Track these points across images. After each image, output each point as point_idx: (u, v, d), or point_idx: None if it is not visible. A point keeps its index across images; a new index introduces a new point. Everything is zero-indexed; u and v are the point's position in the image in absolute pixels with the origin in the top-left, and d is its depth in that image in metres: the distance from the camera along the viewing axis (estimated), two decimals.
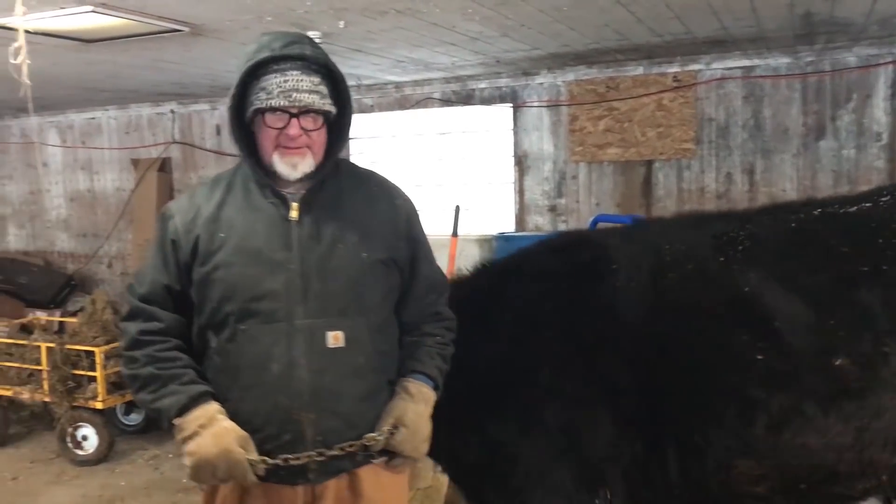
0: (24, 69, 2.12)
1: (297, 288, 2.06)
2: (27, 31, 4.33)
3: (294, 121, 2.08)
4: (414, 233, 2.28)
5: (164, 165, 8.55)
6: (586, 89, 6.71)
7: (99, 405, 5.23)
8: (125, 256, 8.90)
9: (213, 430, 1.98)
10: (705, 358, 2.26)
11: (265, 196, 2.16)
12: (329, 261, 2.09)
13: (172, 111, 8.46)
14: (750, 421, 2.30)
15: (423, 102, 7.33)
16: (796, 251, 2.42)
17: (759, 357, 2.28)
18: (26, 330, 6.51)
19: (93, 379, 5.26)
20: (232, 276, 2.07)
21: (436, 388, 2.20)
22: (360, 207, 2.20)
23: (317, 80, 2.12)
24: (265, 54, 2.10)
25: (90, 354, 5.27)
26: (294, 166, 2.12)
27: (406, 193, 2.36)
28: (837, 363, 2.26)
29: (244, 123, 2.17)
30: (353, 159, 7.72)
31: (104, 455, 5.31)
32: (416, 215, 2.33)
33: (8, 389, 5.55)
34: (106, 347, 5.29)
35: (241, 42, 5.13)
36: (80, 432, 5.31)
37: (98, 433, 5.29)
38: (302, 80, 2.09)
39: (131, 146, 8.74)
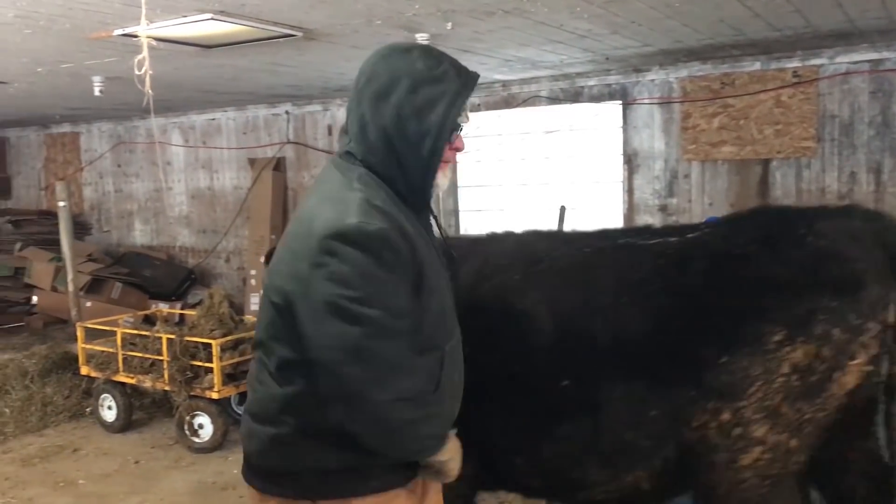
0: (147, 80, 2.23)
1: None
2: (152, 39, 4.57)
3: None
4: None
5: (278, 165, 8.85)
6: (700, 86, 6.50)
7: (215, 395, 5.46)
8: (241, 252, 9.26)
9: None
10: (482, 364, 2.35)
11: (415, 214, 2.08)
12: None
13: (287, 112, 8.74)
14: (511, 424, 2.65)
15: (530, 101, 7.28)
16: (573, 278, 2.70)
17: (517, 369, 2.62)
18: (149, 321, 6.87)
19: (209, 370, 5.49)
20: (441, 302, 2.06)
21: None
22: None
23: None
24: (466, 75, 2.07)
25: (207, 346, 5.51)
26: (447, 178, 2.11)
27: None
28: (563, 384, 2.57)
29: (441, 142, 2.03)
30: (459, 157, 7.77)
31: (218, 443, 5.54)
32: None
33: (132, 377, 5.87)
34: (222, 340, 5.52)
35: (351, 45, 5.25)
36: (197, 420, 5.55)
37: (213, 422, 5.52)
38: None
39: (248, 146, 9.08)
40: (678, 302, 2.54)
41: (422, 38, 4.91)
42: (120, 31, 4.40)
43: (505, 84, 7.34)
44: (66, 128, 10.49)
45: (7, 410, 6.25)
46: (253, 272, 8.80)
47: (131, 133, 10.00)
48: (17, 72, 5.86)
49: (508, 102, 7.43)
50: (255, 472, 2.09)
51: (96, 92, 6.26)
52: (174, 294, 9.26)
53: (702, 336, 2.48)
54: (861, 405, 2.55)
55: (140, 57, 2.30)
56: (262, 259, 8.70)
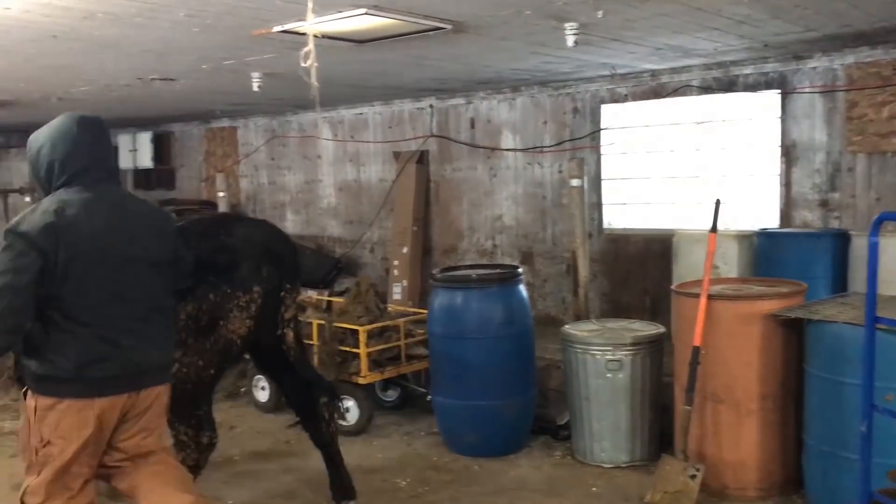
0: (314, 72, 2.31)
1: None
2: (316, 33, 4.74)
3: None
4: None
5: (421, 158, 8.99)
6: (868, 72, 6.06)
7: (361, 380, 5.63)
8: (385, 242, 9.48)
9: None
10: None
11: None
12: None
13: (431, 106, 8.86)
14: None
15: (681, 90, 7.04)
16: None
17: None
18: (300, 307, 7.14)
19: (356, 355, 5.66)
20: None
21: None
22: None
23: None
24: None
25: (355, 333, 5.68)
26: None
27: None
28: None
29: None
30: (604, 150, 7.65)
31: (364, 427, 5.70)
32: None
33: None
34: (369, 327, 5.68)
35: (499, 37, 5.25)
36: (344, 404, 5.73)
37: (359, 406, 5.69)
38: None
39: (393, 140, 9.28)
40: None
41: (571, 27, 4.84)
42: (280, 28, 4.59)
43: (654, 74, 7.12)
44: (224, 122, 11.10)
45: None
46: (396, 262, 8.99)
47: (284, 127, 10.45)
48: (183, 69, 6.24)
49: (657, 93, 7.22)
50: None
51: (254, 87, 6.57)
52: (322, 282, 9.58)
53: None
54: (269, 339, 4.03)
55: (306, 49, 2.38)
56: (405, 249, 8.89)
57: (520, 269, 5.48)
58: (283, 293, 3.96)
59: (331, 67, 6.31)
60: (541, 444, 5.37)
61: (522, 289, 5.36)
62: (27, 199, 12.82)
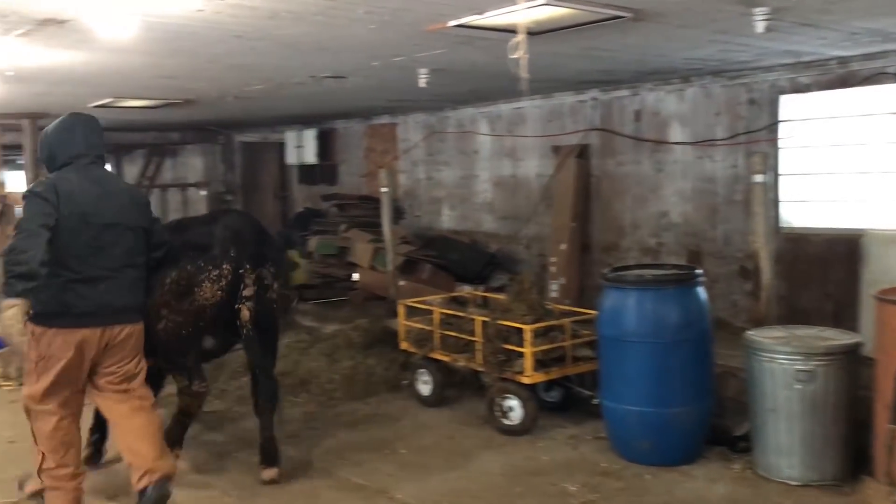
0: (523, 63, 2.21)
1: None
2: (484, 28, 4.67)
3: None
4: None
5: (582, 152, 8.77)
6: None
7: (526, 380, 5.53)
8: (542, 239, 9.34)
9: None
10: None
11: None
12: None
13: (594, 98, 8.63)
14: None
15: (874, 78, 6.47)
16: None
17: None
18: (457, 302, 7.13)
19: (521, 354, 5.56)
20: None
21: None
22: None
23: None
24: None
25: (519, 331, 5.59)
26: None
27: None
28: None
29: None
30: (782, 143, 7.16)
31: (527, 428, 5.60)
32: None
33: (446, 356, 6.13)
34: (535, 326, 5.56)
35: (679, 25, 4.99)
36: (507, 403, 5.65)
37: (523, 406, 5.59)
38: None
39: (552, 134, 9.12)
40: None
41: (761, 11, 4.52)
42: (455, 22, 4.55)
43: (842, 61, 6.58)
44: (385, 119, 11.31)
45: (337, 377, 6.83)
46: (553, 259, 8.83)
47: (442, 123, 10.51)
48: (354, 66, 6.35)
49: (845, 81, 6.67)
50: None
51: (421, 83, 6.60)
52: (477, 277, 9.59)
53: None
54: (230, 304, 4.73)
55: (516, 40, 2.29)
56: (563, 246, 8.71)
57: (699, 270, 5.19)
58: (241, 271, 4.71)
59: (499, 62, 6.22)
60: (717, 456, 5.07)
61: (701, 291, 5.07)
62: (202, 192, 13.63)
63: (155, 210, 4.75)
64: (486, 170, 10.05)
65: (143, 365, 4.25)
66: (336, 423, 5.99)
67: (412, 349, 6.50)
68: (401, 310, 6.63)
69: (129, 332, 4.13)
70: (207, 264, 4.68)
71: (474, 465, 5.17)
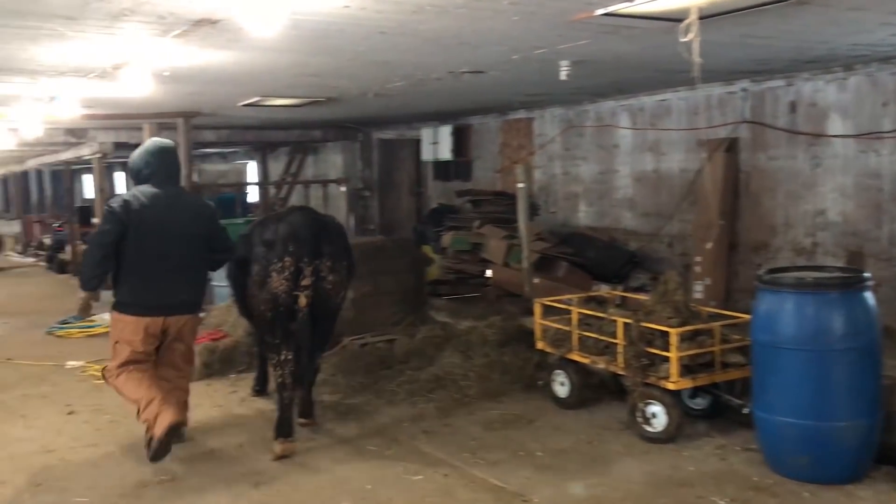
0: (696, 46, 2.04)
1: None
2: (633, 16, 4.45)
3: None
4: None
5: (731, 146, 8.32)
6: None
7: (670, 385, 5.27)
8: (686, 237, 8.95)
9: None
10: None
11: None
12: None
13: (744, 89, 8.17)
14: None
15: None
16: None
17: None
18: (595, 301, 6.91)
19: (665, 359, 5.30)
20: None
21: None
22: None
23: None
24: None
25: (664, 334, 5.33)
26: None
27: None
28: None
29: None
30: None
31: (671, 436, 5.34)
32: None
33: (585, 357, 5.95)
34: (681, 329, 5.29)
35: (849, 7, 4.59)
36: (650, 409, 5.41)
37: (667, 413, 5.33)
38: None
39: (698, 127, 8.71)
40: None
41: None
42: (603, 11, 4.36)
43: None
44: (521, 114, 11.18)
45: (471, 374, 6.77)
46: (698, 259, 8.43)
47: (580, 117, 10.27)
48: (493, 60, 6.26)
49: None
50: None
51: (562, 76, 6.43)
52: (615, 276, 9.31)
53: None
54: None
55: (687, 22, 2.12)
56: (708, 245, 8.30)
57: (866, 274, 4.77)
58: (300, 264, 5.31)
59: (642, 52, 5.98)
60: (886, 477, 4.63)
61: (869, 296, 4.65)
62: (342, 189, 13.97)
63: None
64: (626, 164, 9.73)
65: (192, 346, 5.49)
66: (470, 421, 5.93)
67: (549, 349, 6.35)
68: (537, 308, 6.48)
69: (185, 322, 5.23)
70: (273, 258, 5.35)
71: (614, 471, 4.97)
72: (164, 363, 5.29)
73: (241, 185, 14.12)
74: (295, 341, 5.40)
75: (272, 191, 15.41)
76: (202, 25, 4.50)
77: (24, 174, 24.10)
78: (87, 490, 4.76)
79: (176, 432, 4.96)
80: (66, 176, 17.69)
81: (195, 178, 10.94)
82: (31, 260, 18.92)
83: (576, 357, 6.05)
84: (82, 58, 5.54)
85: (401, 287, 8.48)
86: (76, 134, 12.47)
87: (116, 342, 5.12)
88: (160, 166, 5.24)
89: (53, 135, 12.35)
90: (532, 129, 11.10)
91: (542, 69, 6.61)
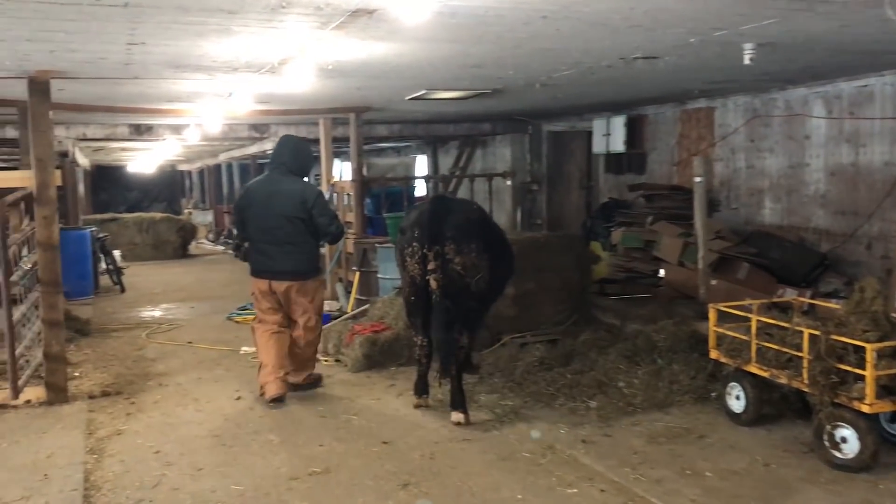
0: None
1: None
2: None
3: None
4: None
5: None
6: None
7: (865, 408, 4.63)
8: (887, 238, 7.99)
9: None
10: None
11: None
12: None
13: None
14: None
15: None
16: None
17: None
18: (779, 308, 6.27)
19: (860, 377, 4.67)
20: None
21: None
22: None
23: None
24: None
25: (859, 349, 4.70)
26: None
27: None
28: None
29: None
30: None
31: (865, 464, 4.70)
32: None
33: (765, 370, 5.38)
34: (879, 345, 4.64)
35: None
36: (839, 432, 4.79)
37: (860, 438, 4.69)
38: None
39: None
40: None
41: None
42: None
43: None
44: (701, 103, 10.46)
45: (636, 381, 6.36)
46: None
47: (768, 106, 9.44)
48: (669, 45, 5.79)
49: None
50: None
51: (746, 60, 5.85)
52: (803, 280, 8.48)
53: None
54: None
55: None
56: None
57: None
58: (424, 249, 5.68)
59: (840, 30, 5.31)
60: None
61: None
62: (508, 182, 13.79)
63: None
64: (818, 157, 8.83)
65: (309, 308, 6.45)
66: (633, 432, 5.53)
67: (724, 359, 5.81)
68: (712, 314, 5.95)
69: (288, 286, 6.32)
70: (405, 244, 5.87)
71: (795, 501, 4.43)
72: (294, 326, 6.47)
73: (408, 179, 14.24)
74: (434, 326, 5.81)
75: (440, 185, 15.49)
76: (359, 16, 4.42)
77: (217, 167, 25.86)
78: (243, 478, 4.85)
79: (279, 402, 6.19)
80: (253, 169, 18.72)
81: (364, 171, 11.09)
82: (220, 248, 20.25)
83: (754, 369, 5.49)
84: (251, 53, 5.66)
85: (565, 285, 8.18)
86: (259, 129, 13.11)
87: (252, 297, 6.65)
88: (274, 157, 6.52)
89: (239, 130, 13.05)
90: (713, 118, 10.36)
91: (724, 53, 6.05)
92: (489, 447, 5.30)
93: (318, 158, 11.48)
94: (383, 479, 4.78)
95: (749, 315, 5.60)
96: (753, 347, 5.47)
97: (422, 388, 6.13)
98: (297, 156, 6.48)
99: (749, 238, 9.20)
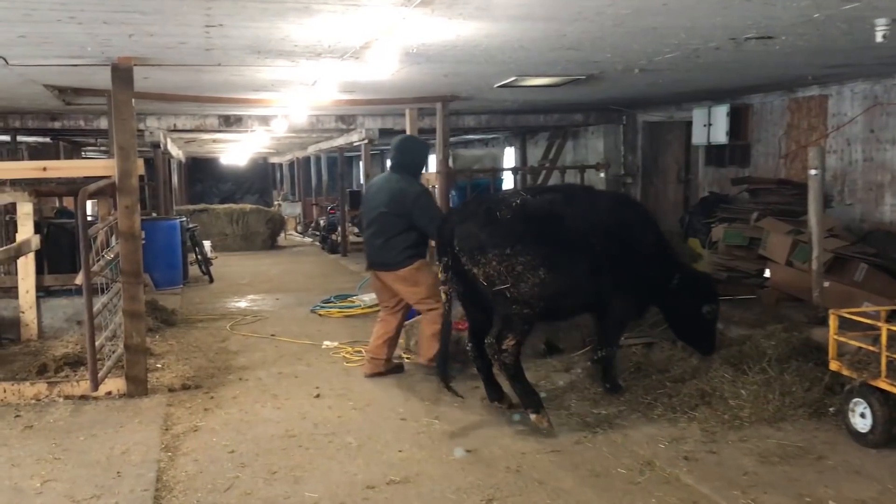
0: None
1: None
2: None
3: None
4: None
5: None
6: None
7: None
8: None
9: None
10: None
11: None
12: None
13: None
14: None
15: None
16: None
17: None
18: None
19: None
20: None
21: None
22: None
23: None
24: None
25: None
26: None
27: None
28: None
29: None
30: None
31: None
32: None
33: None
34: None
35: None
36: None
37: None
38: None
39: None
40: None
41: None
42: None
43: None
44: (813, 91, 9.69)
45: (743, 392, 5.80)
46: None
47: (890, 93, 8.64)
48: (788, 21, 5.22)
49: None
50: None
51: (878, 38, 5.24)
52: None
53: None
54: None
55: None
56: None
57: None
58: (452, 251, 5.66)
59: None
60: None
61: None
62: (601, 175, 13.23)
63: None
64: None
65: (413, 294, 6.64)
66: (742, 450, 5.00)
67: (846, 371, 5.21)
68: (833, 320, 5.35)
69: (387, 276, 6.66)
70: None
71: None
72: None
73: (495, 171, 13.84)
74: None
75: (528, 177, 15.04)
76: None
77: (307, 159, 26.05)
78: (318, 484, 4.58)
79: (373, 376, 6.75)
80: (339, 161, 18.68)
81: (450, 163, 10.76)
82: (308, 240, 20.34)
83: (884, 385, 4.88)
84: (332, 35, 5.38)
85: None
86: (346, 121, 12.97)
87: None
88: (391, 157, 6.90)
89: (325, 121, 12.92)
90: (826, 107, 9.57)
91: (851, 31, 5.44)
92: (581, 461, 4.88)
93: None
94: (465, 493, 4.42)
95: (878, 323, 4.99)
96: (884, 360, 4.86)
97: (492, 393, 5.87)
98: (406, 153, 6.72)
99: (867, 236, 8.46)
